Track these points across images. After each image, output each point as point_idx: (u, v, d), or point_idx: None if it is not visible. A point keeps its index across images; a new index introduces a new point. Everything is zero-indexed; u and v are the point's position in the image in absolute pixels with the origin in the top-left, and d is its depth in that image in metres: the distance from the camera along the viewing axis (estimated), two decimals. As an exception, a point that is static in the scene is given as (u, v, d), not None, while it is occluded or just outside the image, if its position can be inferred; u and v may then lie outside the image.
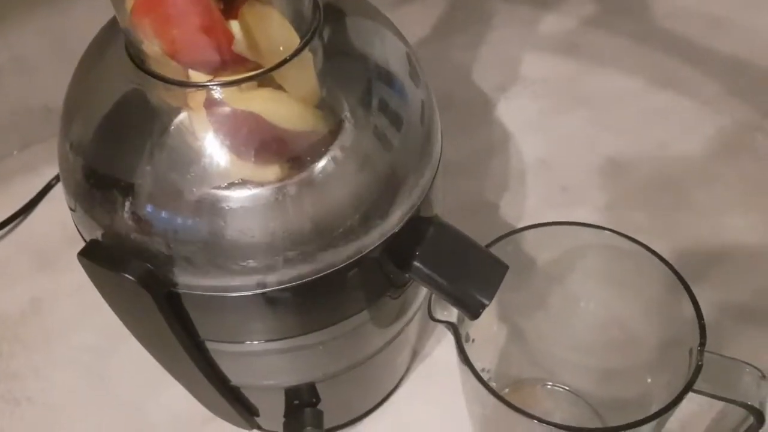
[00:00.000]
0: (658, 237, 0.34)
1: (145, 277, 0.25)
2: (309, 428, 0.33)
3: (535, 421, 0.28)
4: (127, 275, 0.25)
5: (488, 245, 0.32)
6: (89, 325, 0.46)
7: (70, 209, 0.28)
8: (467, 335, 0.34)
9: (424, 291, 0.36)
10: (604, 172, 0.54)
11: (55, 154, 0.28)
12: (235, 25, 0.25)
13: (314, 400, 0.34)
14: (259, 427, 0.39)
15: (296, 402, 0.34)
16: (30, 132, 0.57)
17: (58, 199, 0.54)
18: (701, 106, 0.59)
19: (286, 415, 0.34)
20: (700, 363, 0.28)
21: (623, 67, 0.63)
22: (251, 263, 0.26)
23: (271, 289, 0.27)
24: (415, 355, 0.43)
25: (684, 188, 0.53)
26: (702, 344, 0.29)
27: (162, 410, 0.42)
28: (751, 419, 0.29)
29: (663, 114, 0.58)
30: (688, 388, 0.28)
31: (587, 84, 0.62)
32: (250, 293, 0.27)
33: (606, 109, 0.59)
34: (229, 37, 0.25)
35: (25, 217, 0.54)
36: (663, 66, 0.63)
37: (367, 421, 0.41)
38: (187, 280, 0.26)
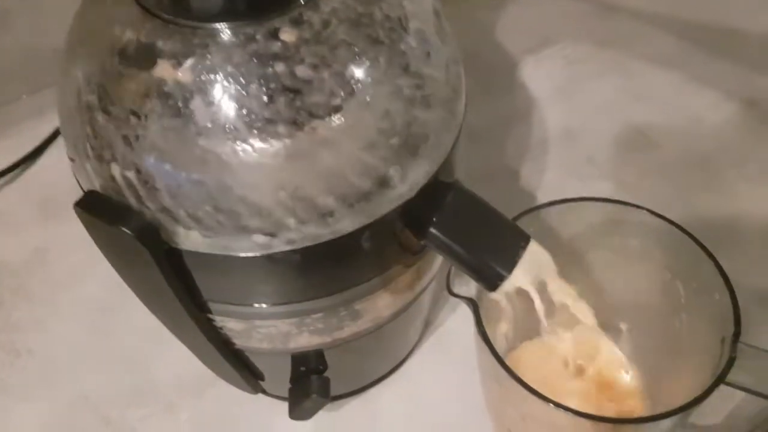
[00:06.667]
0: (685, 215, 0.32)
1: (144, 232, 0.24)
2: (314, 396, 0.32)
3: (551, 405, 0.26)
4: (124, 229, 0.23)
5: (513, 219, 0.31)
6: (95, 278, 0.45)
7: (70, 159, 0.27)
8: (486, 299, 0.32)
9: (440, 260, 0.34)
10: (633, 144, 0.52)
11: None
12: None
13: (321, 367, 0.33)
14: (264, 392, 0.38)
15: (303, 368, 0.33)
16: (39, 76, 0.55)
17: (66, 147, 0.53)
18: (738, 78, 0.56)
19: (292, 381, 0.33)
20: (733, 355, 0.27)
21: (660, 33, 0.60)
22: (257, 223, 0.24)
23: (277, 251, 0.25)
24: (427, 325, 0.42)
25: (715, 165, 0.50)
26: (736, 335, 0.27)
27: (166, 369, 0.41)
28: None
29: (698, 85, 0.56)
30: (720, 380, 0.26)
31: (621, 50, 0.59)
32: (256, 254, 0.25)
33: (639, 78, 0.57)
34: None
35: (31, 164, 0.53)
36: (702, 33, 0.60)
37: (375, 389, 0.40)
38: (188, 237, 0.25)
